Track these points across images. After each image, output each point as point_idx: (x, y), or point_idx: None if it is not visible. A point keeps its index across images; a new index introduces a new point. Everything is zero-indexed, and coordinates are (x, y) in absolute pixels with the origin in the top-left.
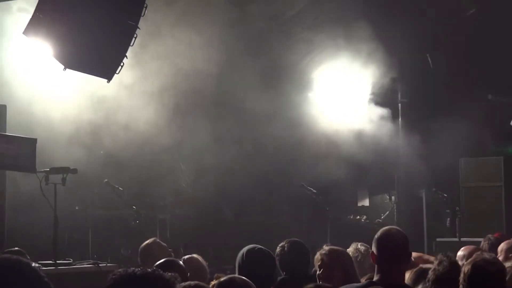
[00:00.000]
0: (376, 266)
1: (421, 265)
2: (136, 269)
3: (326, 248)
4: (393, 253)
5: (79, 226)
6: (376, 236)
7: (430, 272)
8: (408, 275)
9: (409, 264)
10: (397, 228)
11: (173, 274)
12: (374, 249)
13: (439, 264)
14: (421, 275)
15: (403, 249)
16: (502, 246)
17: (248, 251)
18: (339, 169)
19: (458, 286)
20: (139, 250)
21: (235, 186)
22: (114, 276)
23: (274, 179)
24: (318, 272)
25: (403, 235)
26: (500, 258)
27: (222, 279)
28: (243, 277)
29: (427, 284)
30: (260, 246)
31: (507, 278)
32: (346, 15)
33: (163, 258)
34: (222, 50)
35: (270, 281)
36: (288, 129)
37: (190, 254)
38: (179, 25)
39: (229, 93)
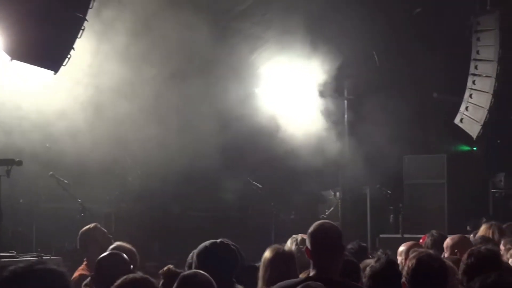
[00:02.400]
0: (311, 261)
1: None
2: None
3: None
4: (327, 247)
5: (23, 219)
6: (309, 231)
7: (367, 268)
8: None
9: (343, 258)
10: (330, 222)
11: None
12: (308, 244)
13: (376, 261)
14: None
15: (337, 242)
16: (447, 242)
17: (211, 244)
18: (283, 164)
19: (392, 283)
20: (79, 233)
21: (181, 180)
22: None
23: (221, 174)
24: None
25: (337, 229)
26: (446, 254)
27: (186, 272)
28: (205, 273)
29: (364, 280)
30: (223, 240)
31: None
32: (293, 13)
33: (104, 244)
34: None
35: (232, 274)
36: (234, 124)
37: (136, 248)
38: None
39: (175, 87)
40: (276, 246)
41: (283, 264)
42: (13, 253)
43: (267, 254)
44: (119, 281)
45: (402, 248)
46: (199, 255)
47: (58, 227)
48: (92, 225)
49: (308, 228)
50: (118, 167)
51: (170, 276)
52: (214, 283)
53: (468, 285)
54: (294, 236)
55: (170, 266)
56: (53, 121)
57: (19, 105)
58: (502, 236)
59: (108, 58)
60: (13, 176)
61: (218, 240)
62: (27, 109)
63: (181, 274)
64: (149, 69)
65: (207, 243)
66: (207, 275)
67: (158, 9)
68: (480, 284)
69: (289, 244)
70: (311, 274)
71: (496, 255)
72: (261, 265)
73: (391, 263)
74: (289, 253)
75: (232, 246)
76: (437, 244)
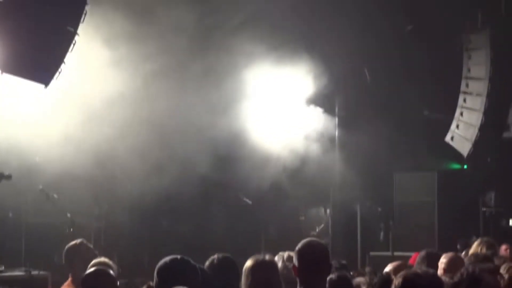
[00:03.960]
0: (298, 279)
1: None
2: None
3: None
4: (314, 265)
5: (12, 234)
6: (297, 248)
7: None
8: None
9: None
10: (318, 239)
11: None
12: (295, 261)
13: (371, 279)
14: None
15: (324, 260)
16: (442, 261)
17: (171, 260)
18: (274, 180)
19: None
20: (65, 249)
21: (172, 194)
22: None
23: (211, 189)
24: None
25: (324, 246)
26: (440, 272)
27: None
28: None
29: None
30: (183, 256)
31: None
32: (284, 30)
33: (89, 260)
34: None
35: None
36: (225, 139)
37: (125, 263)
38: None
39: (166, 98)
40: (257, 255)
41: (264, 271)
42: (1, 268)
43: (248, 262)
44: None
45: (388, 268)
46: (159, 271)
47: (47, 241)
48: (78, 241)
49: (295, 245)
50: (107, 181)
51: None
52: None
53: None
54: (281, 253)
55: (150, 283)
56: (42, 134)
57: (6, 118)
58: (490, 250)
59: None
60: (1, 190)
61: (179, 257)
62: (16, 122)
63: None
64: (139, 80)
65: (167, 259)
66: None
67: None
68: None
69: (276, 261)
70: None
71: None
72: (243, 274)
73: (388, 281)
74: (270, 261)
75: (192, 263)
76: (433, 262)
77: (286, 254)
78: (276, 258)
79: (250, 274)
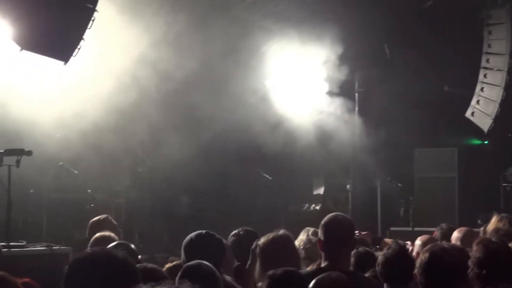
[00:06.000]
0: (323, 253)
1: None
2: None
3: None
4: (339, 238)
5: (34, 209)
6: (322, 222)
7: (379, 256)
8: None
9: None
10: (343, 214)
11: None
12: (321, 235)
13: (388, 248)
14: None
15: (349, 234)
16: (455, 235)
17: (197, 235)
18: (295, 156)
19: (405, 268)
20: (89, 224)
21: (192, 172)
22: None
23: (231, 166)
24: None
25: (349, 221)
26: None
27: (190, 263)
28: (209, 264)
29: (377, 268)
30: (208, 231)
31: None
32: (304, 6)
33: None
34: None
35: (219, 265)
36: (244, 118)
37: (145, 239)
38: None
39: (188, 81)
40: (272, 232)
41: (280, 247)
42: (23, 243)
43: (262, 239)
44: None
45: (417, 242)
46: (185, 247)
47: (68, 217)
48: (102, 216)
49: (315, 221)
50: (128, 158)
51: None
52: (218, 273)
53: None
54: (307, 228)
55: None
56: (63, 111)
57: (27, 95)
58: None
59: (117, 48)
60: (22, 167)
61: (203, 232)
62: (37, 99)
63: (185, 264)
64: (159, 59)
65: (192, 235)
66: (211, 265)
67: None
68: None
69: (302, 236)
70: (323, 265)
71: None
72: (258, 248)
73: (403, 249)
74: (283, 236)
75: (218, 237)
76: (447, 237)
77: (312, 229)
78: (302, 233)
79: (266, 250)
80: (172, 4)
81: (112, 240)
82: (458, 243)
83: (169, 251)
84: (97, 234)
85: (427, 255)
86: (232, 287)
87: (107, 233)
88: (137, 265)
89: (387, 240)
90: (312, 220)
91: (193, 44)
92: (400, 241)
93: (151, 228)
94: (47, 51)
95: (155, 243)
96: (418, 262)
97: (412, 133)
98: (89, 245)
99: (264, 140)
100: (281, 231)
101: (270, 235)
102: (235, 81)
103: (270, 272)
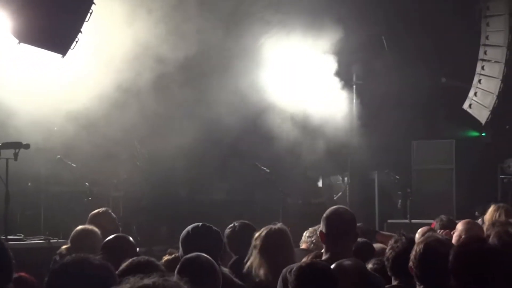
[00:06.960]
0: (325, 245)
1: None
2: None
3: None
4: (341, 231)
5: (31, 203)
6: (324, 215)
7: (387, 251)
8: None
9: (356, 242)
10: (345, 207)
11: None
12: (323, 227)
13: (396, 241)
14: None
15: (351, 226)
16: (459, 227)
17: (193, 228)
18: (292, 149)
19: None
20: (89, 217)
21: (189, 165)
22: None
23: (228, 159)
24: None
25: (351, 213)
26: (454, 239)
27: (189, 255)
28: (207, 256)
29: (387, 263)
30: (205, 223)
31: None
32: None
33: (111, 230)
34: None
35: (217, 258)
36: (242, 110)
37: (143, 232)
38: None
39: (186, 72)
40: (268, 226)
41: (273, 238)
42: (21, 236)
43: (259, 232)
44: (125, 264)
45: (417, 235)
46: (183, 240)
47: (66, 210)
48: (102, 209)
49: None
50: (126, 151)
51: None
52: (216, 265)
53: None
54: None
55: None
56: (61, 105)
57: (25, 88)
58: (509, 218)
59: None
60: (20, 160)
61: (200, 224)
62: (35, 92)
63: (184, 257)
64: (158, 53)
65: (189, 228)
66: (209, 257)
67: None
68: None
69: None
70: (324, 257)
71: None
72: (254, 239)
73: (413, 243)
74: (280, 229)
75: (215, 229)
76: (446, 229)
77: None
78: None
79: (259, 240)
80: None
81: (94, 233)
82: (463, 235)
83: (166, 245)
84: (78, 227)
85: (421, 246)
86: (230, 279)
87: (89, 226)
88: (131, 259)
89: (384, 232)
90: (310, 213)
91: (192, 36)
92: (408, 235)
93: (149, 221)
94: (45, 44)
95: (153, 236)
96: (412, 254)
97: (409, 125)
98: (69, 238)
99: (260, 131)
100: (278, 224)
101: (266, 228)
102: (234, 72)
103: (297, 264)
